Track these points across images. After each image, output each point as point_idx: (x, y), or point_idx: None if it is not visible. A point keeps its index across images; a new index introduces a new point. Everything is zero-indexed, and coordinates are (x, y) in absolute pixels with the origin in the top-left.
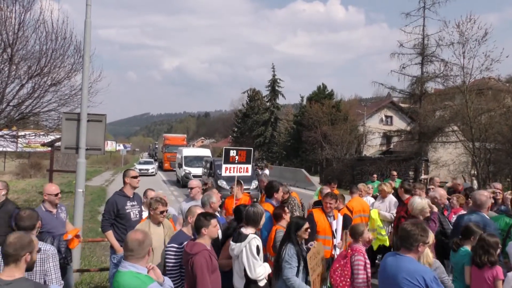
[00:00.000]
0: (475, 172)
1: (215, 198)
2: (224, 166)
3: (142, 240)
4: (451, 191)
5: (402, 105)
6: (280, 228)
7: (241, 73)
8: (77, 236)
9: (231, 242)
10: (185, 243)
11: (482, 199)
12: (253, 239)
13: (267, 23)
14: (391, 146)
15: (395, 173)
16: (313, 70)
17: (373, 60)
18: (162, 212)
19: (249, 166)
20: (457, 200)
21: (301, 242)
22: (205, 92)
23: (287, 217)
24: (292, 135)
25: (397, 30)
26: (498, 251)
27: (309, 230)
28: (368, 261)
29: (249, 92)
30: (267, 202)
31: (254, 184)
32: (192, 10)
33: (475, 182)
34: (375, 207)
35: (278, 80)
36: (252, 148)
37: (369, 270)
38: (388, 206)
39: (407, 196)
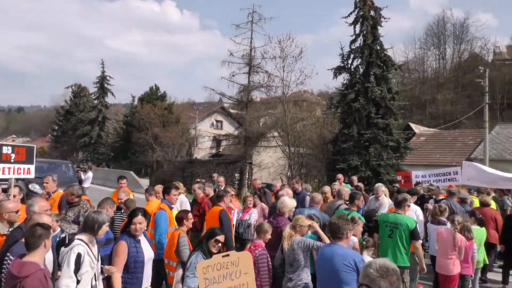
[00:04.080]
0: (290, 174)
1: (37, 206)
2: None
3: None
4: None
5: (232, 111)
6: (183, 233)
7: (65, 67)
8: None
9: (62, 248)
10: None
11: (319, 197)
12: (76, 246)
13: (98, 15)
14: (221, 150)
15: (216, 175)
16: (147, 70)
17: (206, 66)
18: None
19: (32, 167)
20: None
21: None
22: (19, 84)
23: (188, 223)
24: (122, 135)
25: (228, 39)
26: None
27: (219, 244)
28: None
29: (73, 87)
30: (163, 203)
31: None
32: None
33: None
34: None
35: (107, 77)
36: (34, 145)
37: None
38: (179, 206)
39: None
